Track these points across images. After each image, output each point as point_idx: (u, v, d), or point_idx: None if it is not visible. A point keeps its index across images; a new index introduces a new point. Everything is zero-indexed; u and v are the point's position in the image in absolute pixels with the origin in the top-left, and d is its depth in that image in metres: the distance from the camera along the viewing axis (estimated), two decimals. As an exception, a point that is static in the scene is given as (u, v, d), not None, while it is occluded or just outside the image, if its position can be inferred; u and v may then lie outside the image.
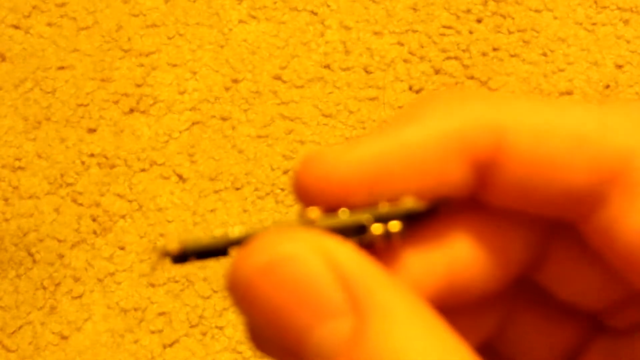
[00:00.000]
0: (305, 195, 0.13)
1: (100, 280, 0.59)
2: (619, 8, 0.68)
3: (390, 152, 0.12)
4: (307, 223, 0.13)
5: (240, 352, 0.57)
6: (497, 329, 0.15)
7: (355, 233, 0.13)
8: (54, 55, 0.66)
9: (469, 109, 0.12)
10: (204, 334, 0.58)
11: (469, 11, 0.68)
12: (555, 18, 0.68)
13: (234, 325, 0.58)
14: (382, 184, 0.12)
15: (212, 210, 0.61)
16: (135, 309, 0.58)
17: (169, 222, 0.61)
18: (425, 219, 0.13)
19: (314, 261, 0.11)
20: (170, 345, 0.57)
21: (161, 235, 0.60)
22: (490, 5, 0.68)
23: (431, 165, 0.12)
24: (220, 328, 0.58)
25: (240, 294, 0.12)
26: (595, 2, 0.68)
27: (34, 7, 0.68)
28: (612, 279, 0.14)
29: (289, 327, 0.11)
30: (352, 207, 0.13)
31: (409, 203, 0.13)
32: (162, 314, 0.58)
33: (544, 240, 0.14)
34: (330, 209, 0.13)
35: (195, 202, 0.61)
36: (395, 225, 0.13)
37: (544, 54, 0.66)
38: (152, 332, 0.58)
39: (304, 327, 0.11)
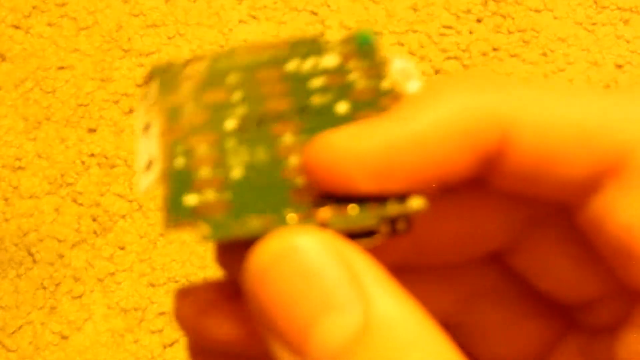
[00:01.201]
0: (313, 181, 0.13)
1: (100, 280, 0.59)
2: (619, 8, 0.68)
3: (398, 142, 0.12)
4: (320, 224, 0.13)
5: (240, 352, 0.57)
6: (461, 309, 0.16)
7: (364, 234, 0.13)
8: (54, 55, 0.66)
9: (478, 101, 0.13)
10: (204, 334, 0.58)
11: (469, 11, 0.68)
12: (555, 18, 0.68)
13: (234, 325, 0.58)
14: (389, 171, 0.13)
15: (212, 210, 0.61)
16: (136, 309, 0.58)
17: (169, 222, 0.61)
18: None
19: (325, 254, 0.12)
20: (170, 345, 0.57)
21: (162, 235, 0.60)
22: (490, 5, 0.68)
23: (439, 156, 0.13)
24: (220, 328, 0.58)
25: (250, 285, 0.12)
26: (595, 2, 0.68)
27: (34, 7, 0.68)
28: (595, 273, 0.14)
29: (294, 319, 0.11)
30: (361, 194, 0.13)
31: (416, 204, 0.13)
32: (162, 314, 0.58)
33: (526, 224, 0.15)
34: (340, 193, 0.13)
35: (196, 202, 0.61)
36: (402, 224, 0.14)
37: (544, 54, 0.66)
38: (152, 332, 0.58)
39: (310, 318, 0.11)
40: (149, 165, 0.17)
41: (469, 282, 0.16)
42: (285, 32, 0.67)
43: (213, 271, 0.59)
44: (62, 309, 0.58)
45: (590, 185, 0.13)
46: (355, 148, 0.12)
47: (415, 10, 0.68)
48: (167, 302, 0.58)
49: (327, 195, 0.13)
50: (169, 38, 0.67)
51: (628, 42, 0.67)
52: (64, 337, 0.58)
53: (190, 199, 0.15)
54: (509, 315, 0.15)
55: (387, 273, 0.12)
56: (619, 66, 0.66)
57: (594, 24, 0.67)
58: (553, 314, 0.16)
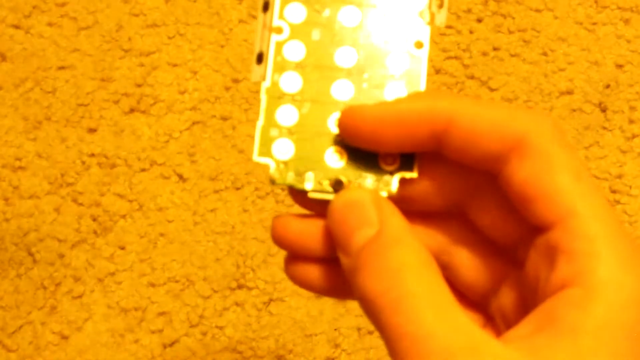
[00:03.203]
0: (345, 131, 0.23)
1: (100, 280, 0.59)
2: (619, 7, 0.68)
3: (392, 114, 0.22)
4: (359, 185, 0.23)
5: (240, 352, 0.57)
6: (445, 250, 0.25)
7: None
8: (54, 55, 0.66)
9: (437, 101, 0.22)
10: (204, 334, 0.58)
11: (469, 11, 0.68)
12: (556, 18, 0.67)
13: (234, 325, 0.58)
14: (387, 130, 0.22)
15: (212, 210, 0.61)
16: (136, 309, 0.58)
17: (169, 222, 0.61)
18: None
19: (368, 200, 0.21)
20: (171, 345, 0.58)
21: (162, 235, 0.60)
22: (491, 5, 0.68)
23: (412, 127, 0.22)
24: (220, 328, 0.58)
25: (330, 216, 0.22)
26: (596, 2, 0.68)
27: (34, 7, 0.68)
28: (515, 221, 0.22)
29: (346, 232, 0.21)
30: (373, 147, 0.23)
31: (407, 175, 0.23)
32: (162, 313, 0.58)
33: (473, 187, 0.23)
34: (360, 142, 0.22)
35: (196, 202, 0.61)
36: (395, 187, 0.23)
37: (544, 54, 0.66)
38: (152, 332, 0.58)
39: (353, 230, 0.21)
40: (259, 59, 0.23)
41: (448, 233, 0.24)
42: (285, 32, 0.67)
43: (213, 271, 0.59)
44: (62, 309, 0.58)
45: (503, 158, 0.21)
46: (369, 112, 0.22)
47: (415, 9, 0.68)
48: (167, 302, 0.58)
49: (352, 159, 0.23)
50: (169, 38, 0.67)
51: (628, 41, 0.67)
52: (64, 337, 0.58)
53: (273, 132, 0.22)
54: (475, 257, 0.24)
55: (399, 211, 0.21)
56: (620, 66, 0.66)
57: (594, 23, 0.67)
58: (501, 255, 0.24)
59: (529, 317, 0.20)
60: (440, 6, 0.23)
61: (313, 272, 0.24)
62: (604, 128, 0.64)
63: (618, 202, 0.61)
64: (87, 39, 0.67)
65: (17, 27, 0.68)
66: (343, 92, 0.23)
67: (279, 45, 0.23)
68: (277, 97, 0.22)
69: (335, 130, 0.23)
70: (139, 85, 0.65)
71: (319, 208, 0.23)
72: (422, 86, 0.23)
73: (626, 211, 0.61)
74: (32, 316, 0.58)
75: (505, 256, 0.23)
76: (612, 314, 0.19)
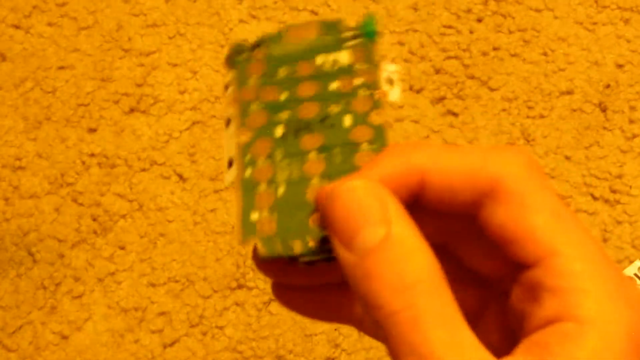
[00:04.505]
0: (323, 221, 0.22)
1: (100, 280, 0.59)
2: (619, 7, 0.68)
3: (372, 178, 0.22)
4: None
5: (240, 352, 0.57)
6: None
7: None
8: (54, 55, 0.66)
9: (408, 158, 0.22)
10: (204, 334, 0.58)
11: (469, 11, 0.68)
12: (556, 17, 0.67)
13: (234, 325, 0.58)
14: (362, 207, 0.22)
15: (212, 210, 0.61)
16: (136, 309, 0.58)
17: (169, 221, 0.61)
18: None
19: (368, 191, 0.21)
20: (171, 345, 0.57)
21: (162, 235, 0.60)
22: (491, 5, 0.68)
23: (391, 186, 0.22)
24: (220, 328, 0.58)
25: (328, 210, 0.21)
26: (596, 2, 0.68)
27: (34, 7, 0.68)
28: (497, 257, 0.22)
29: (347, 228, 0.20)
30: None
31: None
32: (162, 313, 0.58)
33: (455, 228, 0.24)
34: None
35: (196, 202, 0.61)
36: None
37: (545, 54, 0.66)
38: (152, 332, 0.58)
39: (356, 228, 0.20)
40: (230, 164, 0.23)
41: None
42: (285, 32, 0.67)
43: (213, 271, 0.59)
44: (62, 308, 0.58)
45: (478, 203, 0.22)
46: (343, 199, 0.22)
47: (415, 9, 0.68)
48: (167, 302, 0.58)
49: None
50: (170, 38, 0.67)
51: (629, 41, 0.67)
52: (64, 337, 0.58)
53: (254, 216, 0.23)
54: (458, 287, 0.23)
55: (404, 209, 0.21)
56: (620, 65, 0.66)
57: (594, 23, 0.67)
58: (484, 286, 0.24)
59: (520, 348, 0.20)
60: (392, 84, 0.24)
61: (299, 298, 0.25)
62: (604, 128, 0.64)
63: (618, 202, 0.61)
64: (87, 39, 0.67)
65: (17, 27, 0.68)
66: (315, 169, 0.24)
67: (247, 146, 0.24)
68: (253, 186, 0.23)
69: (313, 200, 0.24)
70: (139, 85, 0.65)
71: (305, 274, 0.24)
72: None
73: (626, 211, 0.61)
74: (32, 316, 0.58)
75: (488, 286, 0.24)
76: (605, 345, 0.19)
